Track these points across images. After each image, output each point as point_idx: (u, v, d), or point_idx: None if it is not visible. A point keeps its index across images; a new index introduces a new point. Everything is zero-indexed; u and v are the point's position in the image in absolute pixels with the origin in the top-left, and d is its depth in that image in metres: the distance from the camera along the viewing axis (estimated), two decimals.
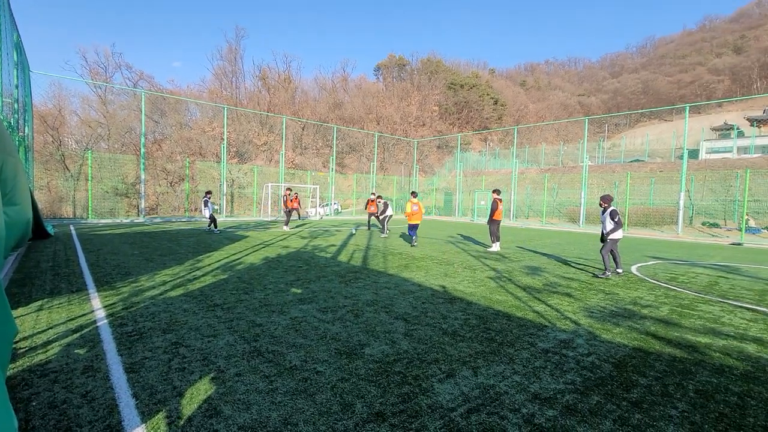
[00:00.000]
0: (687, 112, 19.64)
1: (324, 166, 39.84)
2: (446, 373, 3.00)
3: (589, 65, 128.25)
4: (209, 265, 7.35)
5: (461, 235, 15.04)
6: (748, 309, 5.18)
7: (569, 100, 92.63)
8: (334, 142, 32.07)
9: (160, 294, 5.13)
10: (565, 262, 8.88)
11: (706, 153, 40.22)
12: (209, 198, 13.89)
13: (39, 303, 4.61)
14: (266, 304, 4.79)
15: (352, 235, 13.89)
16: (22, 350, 3.21)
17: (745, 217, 17.00)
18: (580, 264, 8.69)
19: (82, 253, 8.43)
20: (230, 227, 16.09)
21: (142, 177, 19.73)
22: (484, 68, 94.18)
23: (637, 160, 40.18)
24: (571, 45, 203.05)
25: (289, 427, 2.24)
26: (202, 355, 3.20)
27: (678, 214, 18.09)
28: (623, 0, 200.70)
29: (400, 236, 13.91)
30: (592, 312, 4.82)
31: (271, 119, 39.40)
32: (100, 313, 4.25)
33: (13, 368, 2.88)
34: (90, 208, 18.50)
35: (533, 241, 13.52)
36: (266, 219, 22.41)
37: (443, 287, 5.96)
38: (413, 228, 11.32)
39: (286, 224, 15.47)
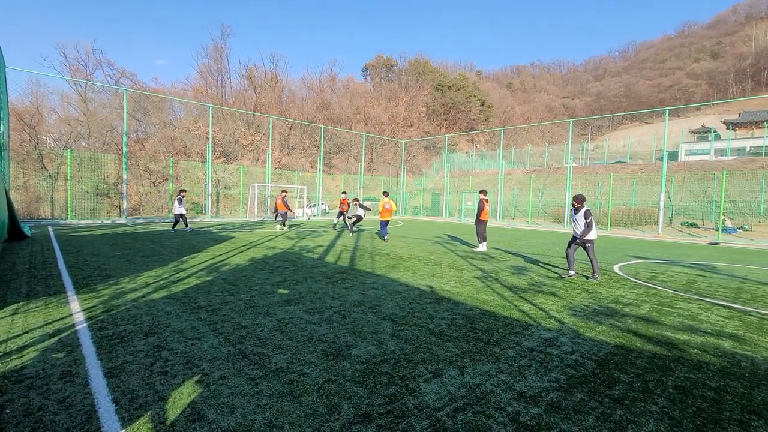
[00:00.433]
0: (667, 115, 20.19)
1: (311, 167, 39.60)
2: (433, 373, 3.01)
3: (573, 68, 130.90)
4: (194, 266, 7.22)
5: (448, 236, 15.13)
6: (724, 306, 5.34)
7: (554, 102, 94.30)
8: (322, 142, 31.91)
9: (143, 296, 5.02)
10: (550, 262, 9.02)
11: (685, 155, 41.45)
12: (183, 196, 14.11)
13: (14, 306, 4.45)
14: (252, 305, 4.73)
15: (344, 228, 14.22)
16: None
17: (722, 217, 17.56)
18: (564, 264, 8.83)
19: (61, 254, 8.19)
20: (209, 227, 15.86)
21: (125, 177, 19.27)
22: (471, 70, 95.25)
23: (620, 162, 41.11)
24: (556, 48, 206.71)
25: (274, 430, 2.21)
26: (185, 359, 3.14)
27: (658, 215, 18.56)
28: (607, 5, 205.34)
29: (376, 233, 13.95)
30: (576, 311, 4.91)
31: (258, 119, 38.99)
32: (79, 317, 4.13)
33: None
34: (69, 209, 17.99)
35: (519, 241, 13.69)
36: (252, 220, 22.15)
37: (430, 287, 5.99)
38: (384, 224, 12.50)
39: (283, 224, 15.73)
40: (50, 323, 3.91)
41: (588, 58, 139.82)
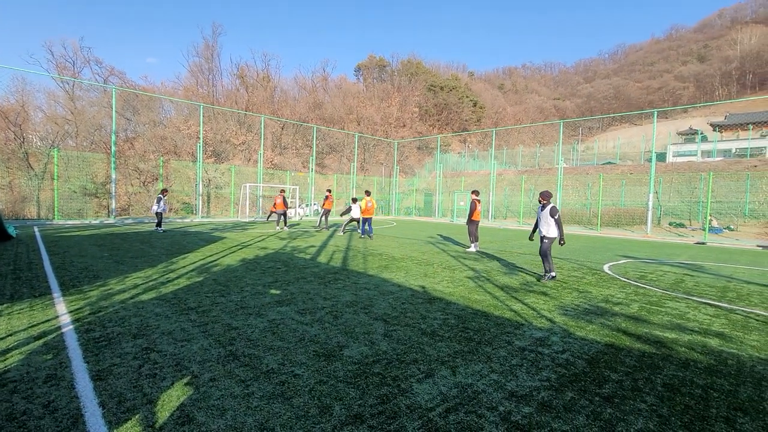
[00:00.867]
0: (655, 117, 20.50)
1: (304, 167, 39.41)
2: (425, 373, 3.01)
3: (564, 70, 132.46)
4: (184, 267, 7.13)
5: (441, 236, 15.17)
6: (711, 305, 5.44)
7: (545, 103, 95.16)
8: (314, 142, 31.78)
9: (131, 298, 4.94)
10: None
11: (673, 156, 42.12)
12: (164, 196, 14.03)
13: None
14: (243, 306, 4.68)
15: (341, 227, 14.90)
16: None
17: (709, 217, 17.88)
18: (555, 263, 8.91)
19: (47, 255, 8.03)
20: (200, 227, 15.69)
21: (113, 176, 18.98)
22: (463, 71, 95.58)
23: (609, 163, 41.66)
24: (547, 50, 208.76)
25: None
26: (174, 361, 3.10)
27: (647, 215, 18.82)
28: (596, 7, 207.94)
29: (362, 236, 13.85)
30: (567, 310, 4.95)
31: (250, 118, 38.68)
32: (66, 319, 4.05)
33: None
34: (56, 209, 17.66)
35: (511, 241, 13.78)
36: (244, 220, 21.98)
37: (423, 287, 5.99)
38: (367, 221, 13.05)
39: (285, 223, 15.72)
40: (35, 325, 3.83)
41: (578, 60, 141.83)
